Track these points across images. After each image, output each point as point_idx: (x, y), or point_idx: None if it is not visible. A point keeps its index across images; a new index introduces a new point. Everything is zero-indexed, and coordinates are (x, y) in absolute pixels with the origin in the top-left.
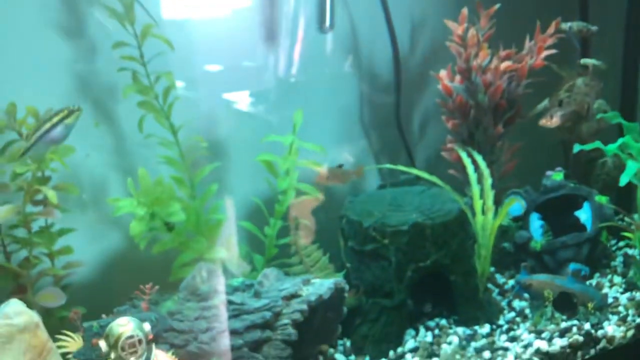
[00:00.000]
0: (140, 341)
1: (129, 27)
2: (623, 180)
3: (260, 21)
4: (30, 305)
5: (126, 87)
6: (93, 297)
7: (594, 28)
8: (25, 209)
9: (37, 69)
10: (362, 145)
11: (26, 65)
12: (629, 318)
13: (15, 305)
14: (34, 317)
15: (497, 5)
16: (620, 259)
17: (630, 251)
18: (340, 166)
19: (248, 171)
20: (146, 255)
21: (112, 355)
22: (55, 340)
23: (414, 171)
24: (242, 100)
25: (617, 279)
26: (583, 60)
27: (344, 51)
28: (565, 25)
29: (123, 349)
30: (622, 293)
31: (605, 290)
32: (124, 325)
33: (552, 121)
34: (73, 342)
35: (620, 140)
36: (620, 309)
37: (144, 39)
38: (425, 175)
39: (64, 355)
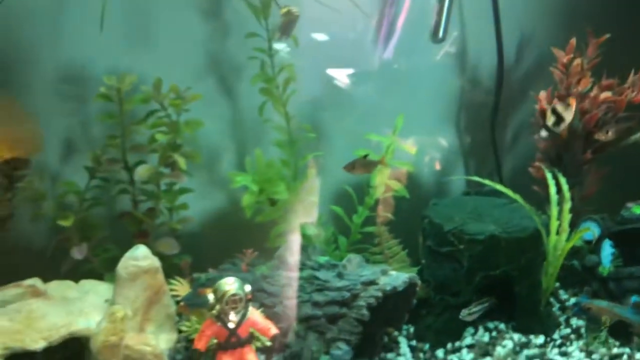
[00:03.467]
0: (241, 299)
1: (263, 21)
2: None
3: (376, 25)
4: (150, 250)
5: (254, 76)
6: (198, 247)
7: None
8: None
9: (177, 44)
10: (454, 145)
11: (167, 41)
12: None
13: (142, 250)
14: (155, 262)
15: (607, 35)
16: None
17: None
18: (366, 156)
19: (345, 159)
20: (245, 217)
21: (217, 307)
22: (167, 282)
23: (499, 187)
24: (350, 92)
25: None
26: None
27: (452, 55)
28: None
29: (227, 304)
30: None
31: None
32: (231, 284)
33: (607, 135)
34: (181, 287)
35: None
36: None
37: (274, 34)
38: (509, 192)
39: (173, 296)
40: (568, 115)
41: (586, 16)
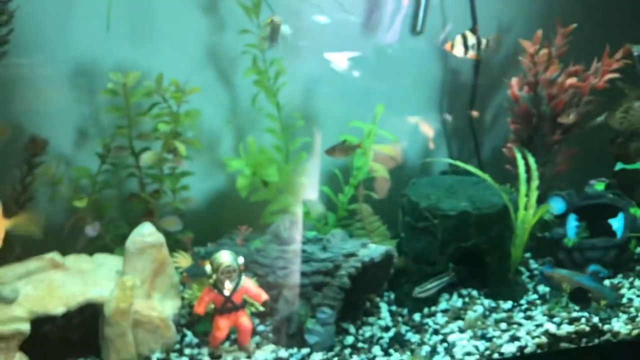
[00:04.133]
0: (234, 270)
1: (254, 19)
2: None
3: (364, 19)
4: (156, 227)
5: (247, 70)
6: (199, 223)
7: None
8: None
9: (179, 37)
10: (437, 127)
11: (171, 34)
12: (638, 319)
13: (148, 227)
14: (160, 237)
15: (574, 25)
16: None
17: None
18: (344, 142)
19: (333, 142)
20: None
21: (214, 277)
22: (171, 256)
23: (469, 168)
24: (340, 79)
25: (638, 283)
26: None
27: (434, 46)
28: (636, 48)
29: (222, 274)
30: (638, 296)
31: (624, 291)
32: (225, 257)
33: (569, 118)
34: (183, 259)
35: None
36: (632, 309)
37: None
38: (478, 172)
39: (176, 268)
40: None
41: (561, 5)
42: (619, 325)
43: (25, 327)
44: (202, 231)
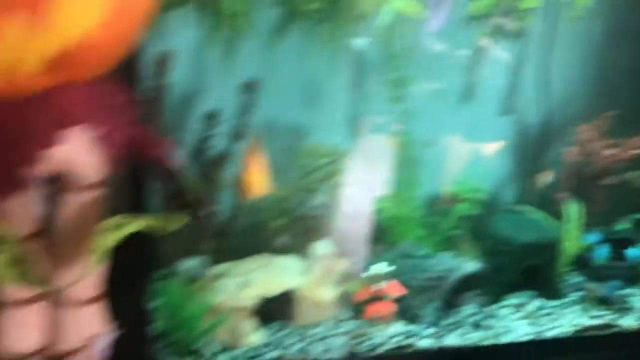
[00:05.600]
0: (382, 277)
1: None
2: None
3: None
4: None
5: None
6: None
7: None
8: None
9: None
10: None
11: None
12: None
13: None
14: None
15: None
16: None
17: None
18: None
19: None
20: None
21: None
22: None
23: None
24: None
25: None
26: None
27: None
28: None
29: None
30: None
31: (634, 298)
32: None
33: (547, 178)
34: None
35: None
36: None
37: None
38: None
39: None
40: None
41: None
42: (628, 322)
43: (255, 302)
44: None
